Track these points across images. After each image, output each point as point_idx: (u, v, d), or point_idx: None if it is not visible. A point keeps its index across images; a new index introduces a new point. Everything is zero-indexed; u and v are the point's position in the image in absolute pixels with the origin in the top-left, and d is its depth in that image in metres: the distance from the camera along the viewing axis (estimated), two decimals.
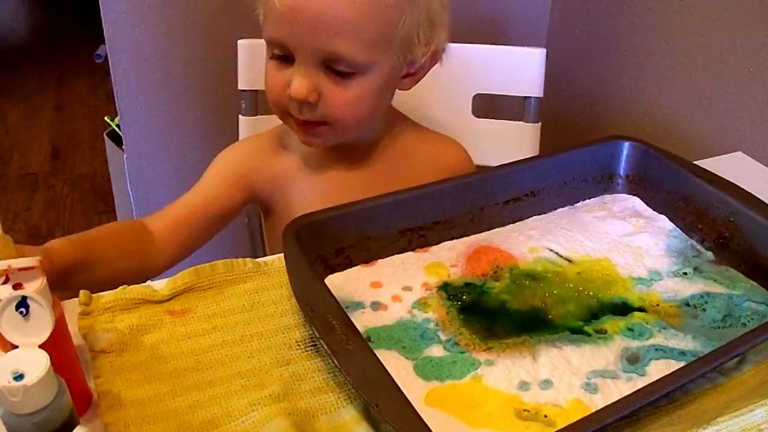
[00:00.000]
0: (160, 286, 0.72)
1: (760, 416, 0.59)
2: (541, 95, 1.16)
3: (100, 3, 1.33)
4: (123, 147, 1.76)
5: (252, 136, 0.96)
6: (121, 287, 0.71)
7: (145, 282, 0.75)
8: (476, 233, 0.80)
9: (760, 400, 0.60)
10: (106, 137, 1.97)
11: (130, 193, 1.71)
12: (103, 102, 2.60)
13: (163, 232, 0.86)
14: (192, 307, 0.70)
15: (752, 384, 0.63)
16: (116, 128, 1.86)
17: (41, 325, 0.52)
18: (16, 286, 0.54)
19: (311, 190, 0.92)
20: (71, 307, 0.69)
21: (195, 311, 0.70)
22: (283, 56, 0.79)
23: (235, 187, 0.92)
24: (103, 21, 1.34)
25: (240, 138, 1.15)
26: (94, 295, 0.70)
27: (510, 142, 1.17)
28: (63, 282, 0.73)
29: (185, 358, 0.65)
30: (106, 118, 2.00)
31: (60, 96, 2.79)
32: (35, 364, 0.49)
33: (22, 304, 0.51)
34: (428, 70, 0.87)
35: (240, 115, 1.15)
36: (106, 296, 0.70)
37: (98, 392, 0.61)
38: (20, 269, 0.54)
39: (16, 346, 0.51)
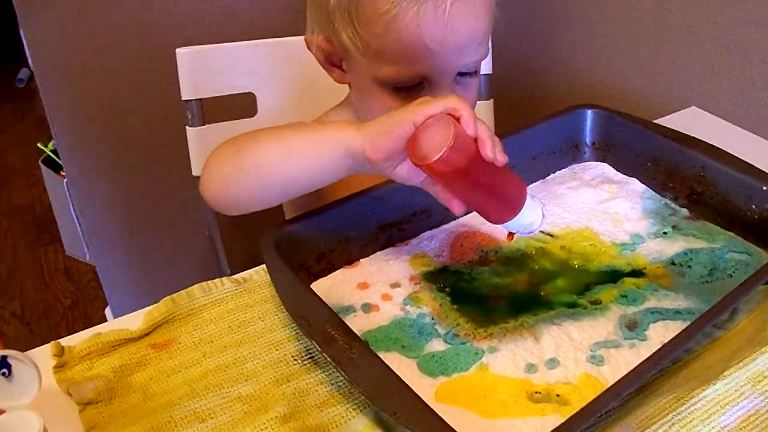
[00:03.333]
0: (135, 323, 0.69)
1: (762, 363, 0.60)
2: (491, 72, 1.15)
3: (20, 25, 1.27)
4: (62, 173, 1.70)
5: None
6: (93, 333, 0.68)
7: None
8: (454, 219, 0.79)
9: (760, 348, 0.61)
10: (41, 165, 1.89)
11: (75, 219, 1.65)
12: (33, 128, 2.50)
13: None
14: (175, 338, 0.67)
15: (748, 333, 0.64)
16: (51, 154, 1.79)
17: (27, 383, 0.48)
18: None
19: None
20: (42, 359, 0.64)
21: (179, 341, 0.67)
22: (410, 86, 0.75)
23: None
24: (25, 44, 1.28)
25: (190, 151, 1.12)
26: (64, 344, 0.66)
27: None
28: None
29: (179, 389, 0.62)
30: (39, 144, 1.92)
31: None
32: (27, 429, 0.45)
33: (3, 365, 0.48)
34: None
35: (187, 127, 1.12)
36: (79, 344, 0.66)
37: None
38: None
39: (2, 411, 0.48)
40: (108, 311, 1.61)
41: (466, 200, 0.65)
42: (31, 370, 0.48)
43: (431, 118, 0.61)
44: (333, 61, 0.81)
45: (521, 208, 0.64)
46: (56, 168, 1.74)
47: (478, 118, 0.62)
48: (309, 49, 0.82)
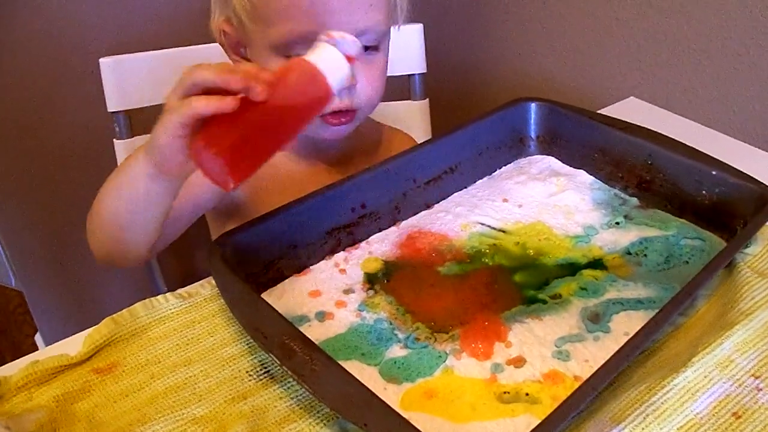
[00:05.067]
0: (74, 347, 0.64)
1: (728, 347, 0.59)
2: (425, 71, 1.14)
3: None
4: None
5: None
6: (30, 361, 0.63)
7: None
8: (404, 220, 0.77)
9: (724, 332, 0.60)
10: None
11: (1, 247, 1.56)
12: None
13: None
14: (119, 360, 0.63)
15: (710, 318, 0.64)
16: None
17: None
18: None
19: (278, 188, 0.86)
20: None
21: (124, 364, 0.62)
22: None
23: None
24: None
25: (119, 163, 1.07)
26: (0, 376, 0.61)
27: (401, 123, 1.14)
28: None
29: (128, 415, 0.58)
30: None
31: None
32: None
33: None
34: None
35: (115, 140, 1.07)
36: (16, 374, 0.61)
37: None
38: None
39: None
40: (38, 337, 1.53)
41: (286, 137, 0.59)
42: None
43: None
44: (238, 52, 0.80)
45: (325, 77, 0.58)
46: None
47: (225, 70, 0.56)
48: (216, 38, 0.81)
